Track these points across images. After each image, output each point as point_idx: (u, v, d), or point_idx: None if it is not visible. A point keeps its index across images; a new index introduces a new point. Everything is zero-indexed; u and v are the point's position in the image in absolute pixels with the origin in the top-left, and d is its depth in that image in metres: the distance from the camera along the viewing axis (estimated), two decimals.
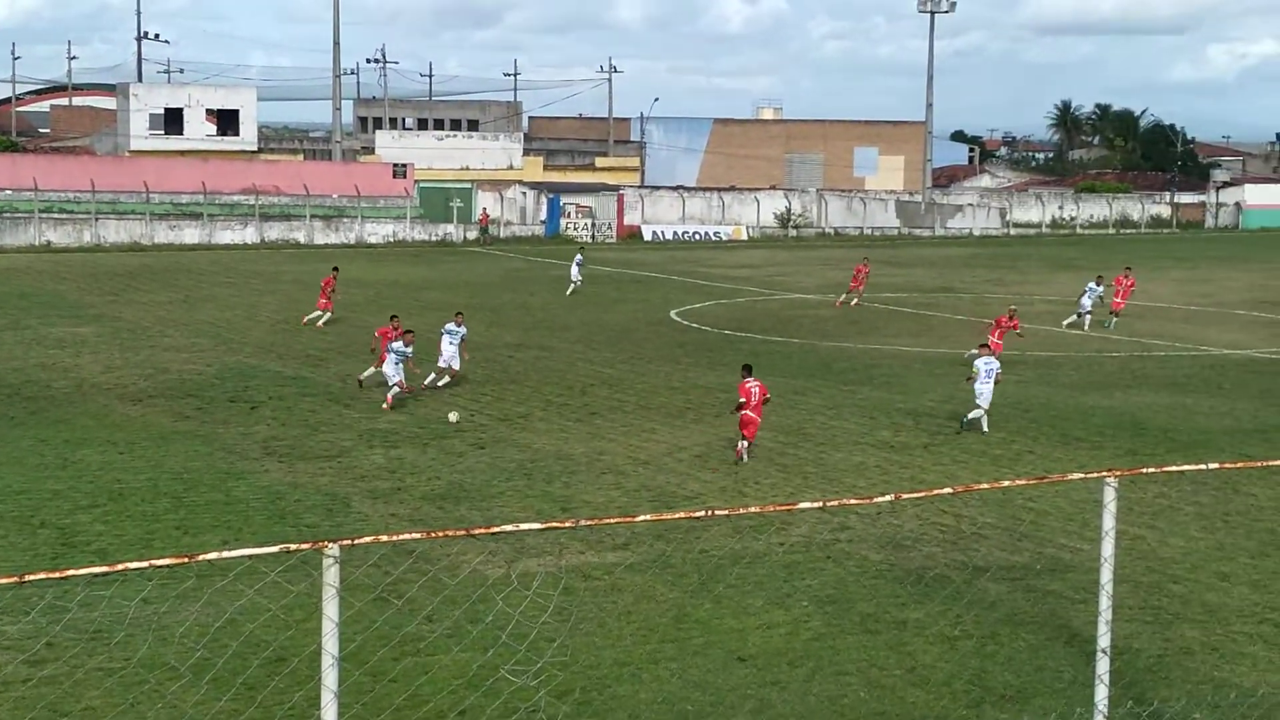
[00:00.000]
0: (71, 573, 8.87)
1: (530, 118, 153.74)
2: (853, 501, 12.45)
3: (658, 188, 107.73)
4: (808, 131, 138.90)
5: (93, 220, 79.67)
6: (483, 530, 10.31)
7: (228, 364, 37.53)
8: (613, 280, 63.08)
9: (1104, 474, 10.71)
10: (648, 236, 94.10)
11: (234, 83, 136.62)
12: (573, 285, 57.47)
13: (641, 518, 11.69)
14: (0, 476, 24.43)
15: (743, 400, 26.81)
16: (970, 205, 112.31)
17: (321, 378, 35.65)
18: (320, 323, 45.61)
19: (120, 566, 8.96)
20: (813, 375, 37.17)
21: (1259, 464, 20.80)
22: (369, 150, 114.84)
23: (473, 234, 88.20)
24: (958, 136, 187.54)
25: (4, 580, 8.53)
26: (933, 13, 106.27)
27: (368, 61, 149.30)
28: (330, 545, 8.63)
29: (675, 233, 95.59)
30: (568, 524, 10.31)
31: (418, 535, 10.61)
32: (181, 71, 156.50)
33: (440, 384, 33.76)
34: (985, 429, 29.71)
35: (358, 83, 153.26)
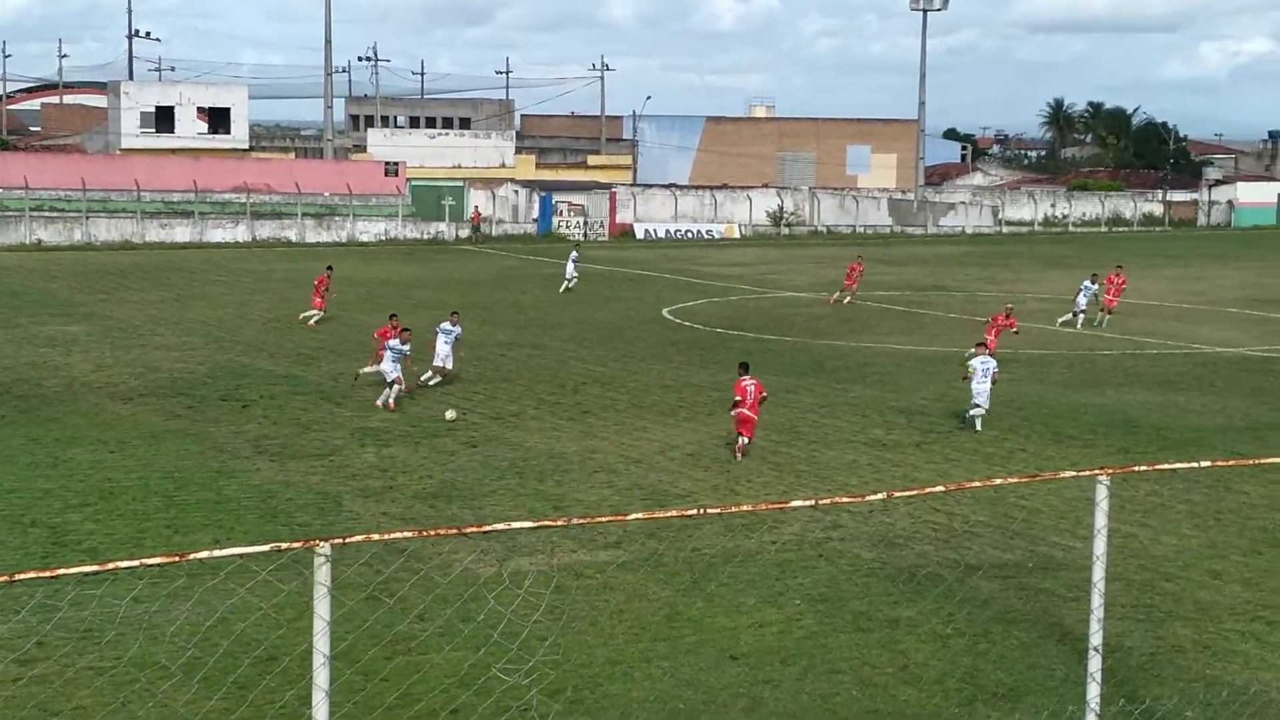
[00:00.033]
0: (62, 571, 8.84)
1: (522, 116, 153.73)
2: (845, 500, 12.43)
3: (650, 186, 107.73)
4: (800, 129, 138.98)
5: (84, 218, 79.54)
6: (474, 529, 10.29)
7: (219, 362, 37.47)
8: (605, 278, 63.04)
9: (1096, 472, 10.69)
10: (640, 234, 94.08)
11: (225, 81, 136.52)
12: (566, 282, 57.54)
13: (633, 516, 11.66)
14: None
15: (738, 399, 26.83)
16: (963, 203, 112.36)
17: (313, 376, 35.60)
18: (312, 321, 45.57)
19: (111, 565, 8.93)
20: (805, 373, 37.17)
21: (1251, 462, 20.84)
22: (361, 148, 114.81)
23: (465, 232, 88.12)
24: (950, 134, 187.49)
25: None
26: (925, 10, 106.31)
27: (359, 59, 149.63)
28: (321, 544, 8.60)
29: (667, 231, 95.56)
30: (560, 522, 10.27)
31: (409, 534, 10.60)
32: (173, 69, 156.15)
33: (432, 382, 33.71)
34: (978, 428, 29.72)
35: (349, 81, 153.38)
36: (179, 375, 35.28)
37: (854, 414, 31.64)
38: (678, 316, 50.27)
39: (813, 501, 10.93)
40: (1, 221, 77.85)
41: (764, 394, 27.30)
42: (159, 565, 9.89)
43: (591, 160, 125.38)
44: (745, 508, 15.09)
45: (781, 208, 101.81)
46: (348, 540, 9.09)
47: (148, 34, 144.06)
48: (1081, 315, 48.51)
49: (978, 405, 29.84)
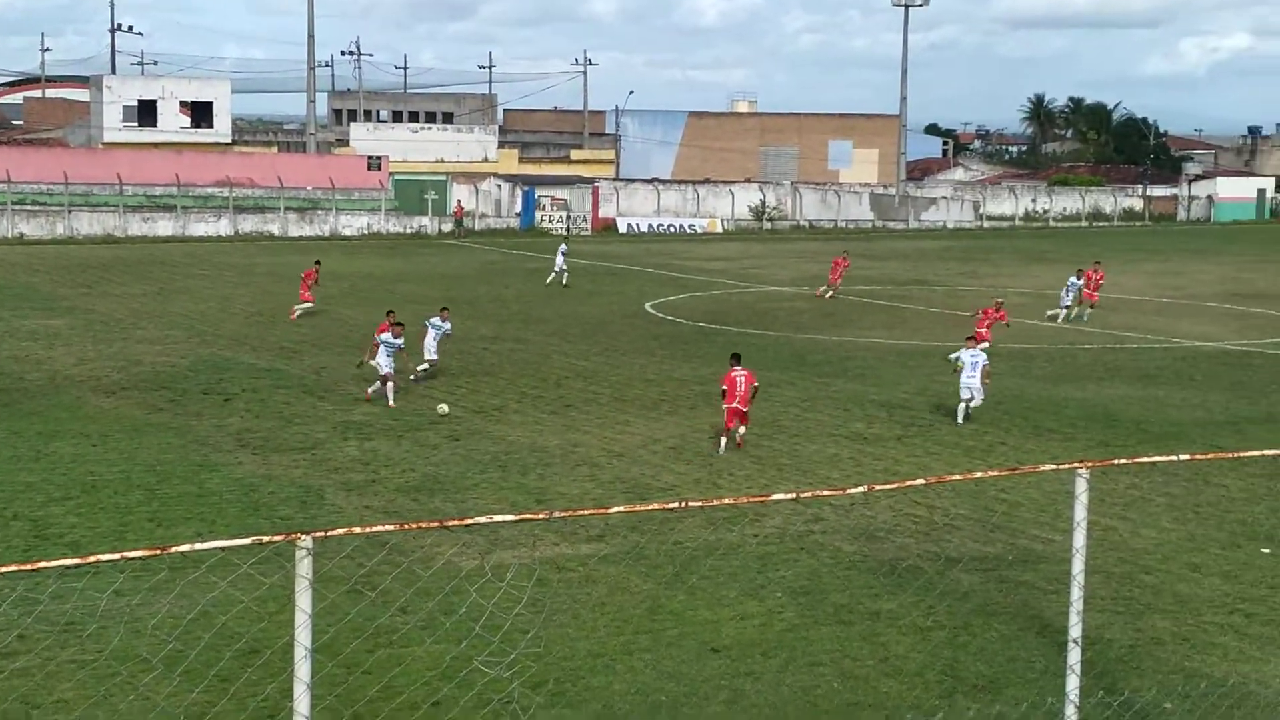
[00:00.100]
0: (43, 565, 8.83)
1: (505, 110, 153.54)
2: (826, 493, 12.47)
3: (632, 180, 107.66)
4: (782, 124, 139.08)
5: (66, 212, 79.29)
6: (456, 522, 10.30)
7: (201, 356, 37.42)
8: (588, 273, 63.03)
9: (1076, 465, 10.74)
10: (623, 229, 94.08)
11: (208, 75, 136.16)
12: (554, 274, 57.63)
13: (615, 509, 11.71)
14: None
15: (724, 388, 26.94)
16: (944, 198, 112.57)
17: (296, 370, 35.57)
18: (295, 314, 45.57)
19: (92, 559, 8.93)
20: (787, 368, 37.22)
21: (1230, 455, 20.90)
22: (343, 143, 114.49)
23: (447, 226, 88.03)
24: (932, 130, 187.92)
25: None
26: (907, 6, 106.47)
27: (342, 54, 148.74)
28: (303, 537, 8.62)
29: (650, 225, 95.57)
30: (542, 515, 10.28)
31: (391, 527, 10.61)
32: (155, 64, 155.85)
33: (417, 370, 33.74)
34: (960, 420, 29.82)
35: (332, 75, 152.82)
36: (161, 369, 35.23)
37: (836, 408, 31.71)
38: (660, 311, 50.30)
39: (794, 495, 10.97)
40: None
41: (756, 383, 27.34)
42: (141, 558, 9.90)
43: (574, 155, 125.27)
44: (727, 501, 15.11)
45: (764, 202, 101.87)
46: (329, 533, 9.10)
47: (130, 28, 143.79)
48: (1062, 311, 48.75)
49: (964, 398, 29.95)
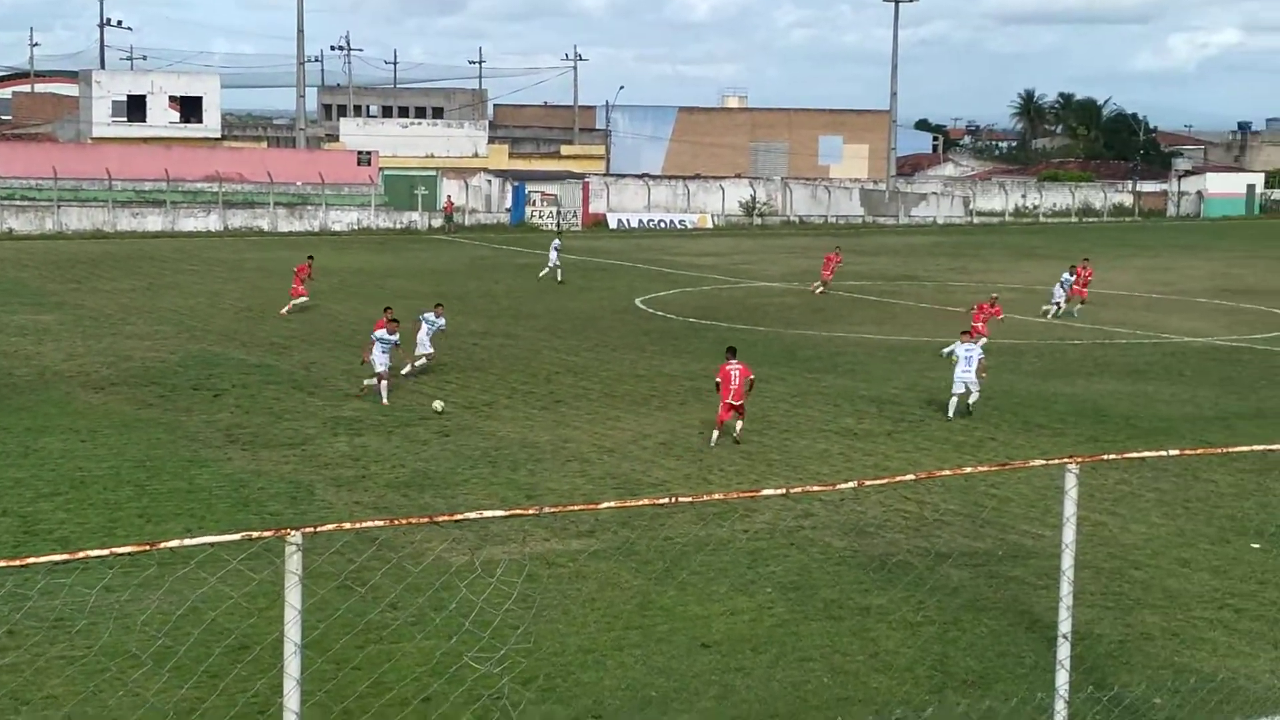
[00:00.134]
0: (33, 560, 8.82)
1: (495, 105, 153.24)
2: (816, 488, 12.50)
3: (623, 176, 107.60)
4: (773, 120, 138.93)
5: (55, 207, 79.11)
6: (446, 517, 10.31)
7: (191, 351, 37.37)
8: (578, 268, 62.97)
9: (1065, 460, 10.76)
10: (613, 224, 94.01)
11: (197, 70, 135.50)
12: (547, 269, 57.64)
13: (606, 505, 11.70)
14: None
15: (719, 381, 26.99)
16: (934, 194, 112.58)
17: (285, 365, 35.53)
18: (285, 308, 45.54)
19: (82, 554, 8.92)
20: (777, 363, 37.23)
21: (1219, 451, 20.95)
22: (333, 138, 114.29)
23: (437, 222, 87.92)
24: (922, 125, 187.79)
25: None
26: (897, 1, 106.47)
27: (332, 49, 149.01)
28: (293, 532, 8.61)
29: (640, 221, 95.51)
30: (532, 511, 10.28)
31: (381, 523, 10.61)
32: (144, 58, 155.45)
33: (404, 372, 33.70)
34: (950, 415, 29.85)
35: (322, 70, 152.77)
36: (151, 364, 35.17)
37: (826, 403, 31.73)
38: (650, 306, 50.29)
39: (784, 490, 10.99)
40: None
41: (751, 376, 27.37)
42: (130, 554, 9.88)
43: (564, 150, 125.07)
44: (717, 496, 15.10)
45: (754, 198, 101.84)
46: (319, 529, 9.09)
47: (119, 23, 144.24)
48: (1054, 307, 48.84)
49: (956, 393, 29.99)
